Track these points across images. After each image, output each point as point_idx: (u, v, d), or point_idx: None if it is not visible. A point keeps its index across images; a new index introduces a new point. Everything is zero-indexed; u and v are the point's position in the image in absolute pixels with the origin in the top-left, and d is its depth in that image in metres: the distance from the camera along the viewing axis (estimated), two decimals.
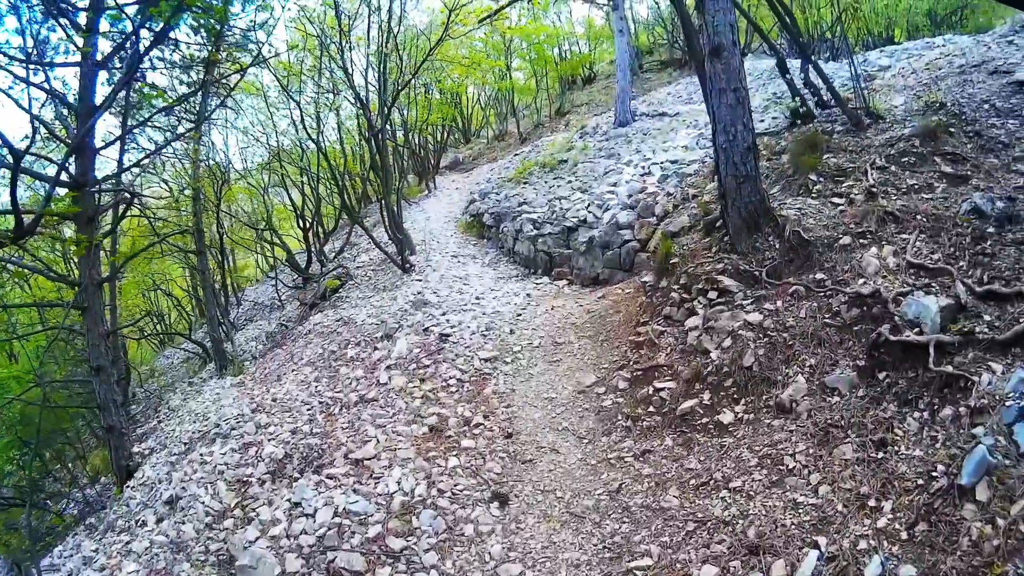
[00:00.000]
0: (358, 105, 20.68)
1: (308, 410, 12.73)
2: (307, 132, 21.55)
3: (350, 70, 20.19)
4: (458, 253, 20.97)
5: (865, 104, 14.09)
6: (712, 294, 11.30)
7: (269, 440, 11.74)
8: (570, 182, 20.69)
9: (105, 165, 18.53)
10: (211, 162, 23.13)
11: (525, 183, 22.52)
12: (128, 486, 12.74)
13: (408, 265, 19.74)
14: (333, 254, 25.96)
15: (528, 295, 16.61)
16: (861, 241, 10.74)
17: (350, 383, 13.53)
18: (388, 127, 28.64)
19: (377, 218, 25.94)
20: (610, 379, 11.88)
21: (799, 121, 15.09)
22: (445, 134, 35.27)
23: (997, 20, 26.19)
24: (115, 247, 21.08)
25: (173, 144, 19.94)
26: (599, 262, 16.84)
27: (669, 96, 28.03)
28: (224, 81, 18.52)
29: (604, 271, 16.67)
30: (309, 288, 22.91)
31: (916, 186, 11.65)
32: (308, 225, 25.83)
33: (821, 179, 12.48)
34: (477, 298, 16.35)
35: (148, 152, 18.07)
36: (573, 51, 38.31)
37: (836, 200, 11.86)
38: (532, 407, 11.82)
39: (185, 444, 13.01)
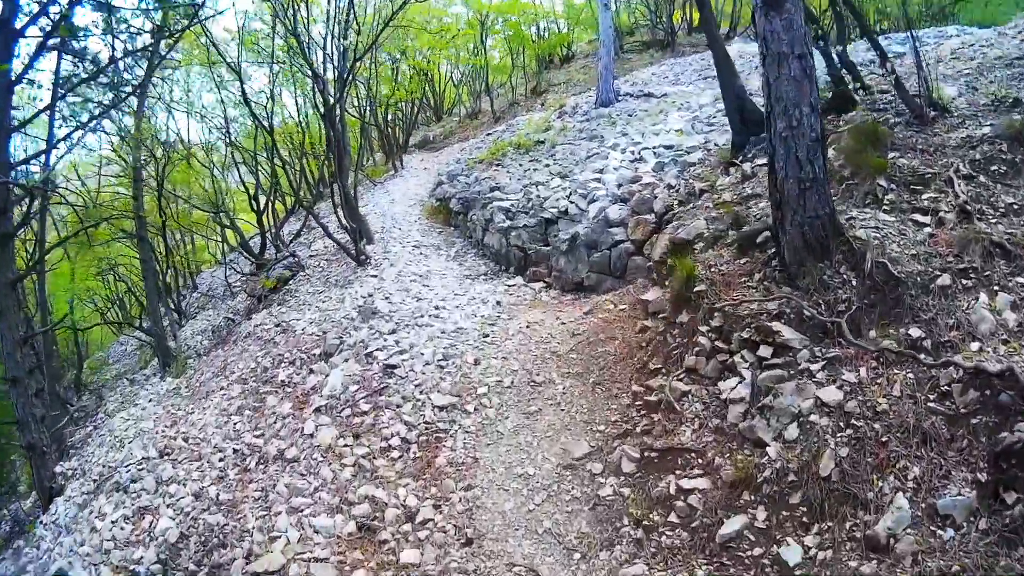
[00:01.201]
0: (312, 77, 16.43)
1: (220, 461, 9.32)
2: (249, 107, 17.14)
3: (303, 37, 15.94)
4: (421, 243, 16.91)
5: (928, 93, 10.06)
6: (764, 349, 7.22)
7: (168, 506, 8.71)
8: (548, 166, 16.76)
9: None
10: (151, 140, 18.67)
11: (498, 165, 18.48)
12: (42, 522, 10.34)
13: (363, 257, 15.70)
14: (291, 237, 21.78)
15: (498, 303, 12.62)
16: (964, 282, 6.92)
17: (274, 422, 9.81)
18: (353, 101, 24.61)
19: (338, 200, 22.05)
20: (609, 451, 7.87)
21: (850, 108, 10.99)
22: (415, 111, 30.79)
23: (1001, 16, 22.50)
24: (43, 239, 17.03)
25: (113, 118, 16.30)
26: (584, 265, 12.88)
27: (654, 76, 23.90)
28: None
29: (590, 276, 12.73)
30: (262, 276, 18.83)
31: (1016, 206, 7.80)
32: (262, 208, 21.44)
33: (893, 186, 8.48)
34: (436, 307, 12.29)
35: (78, 126, 14.20)
36: (551, 30, 33.92)
37: (919, 218, 7.89)
38: (502, 490, 7.76)
39: (94, 481, 10.29)
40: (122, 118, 17.72)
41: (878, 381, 6.41)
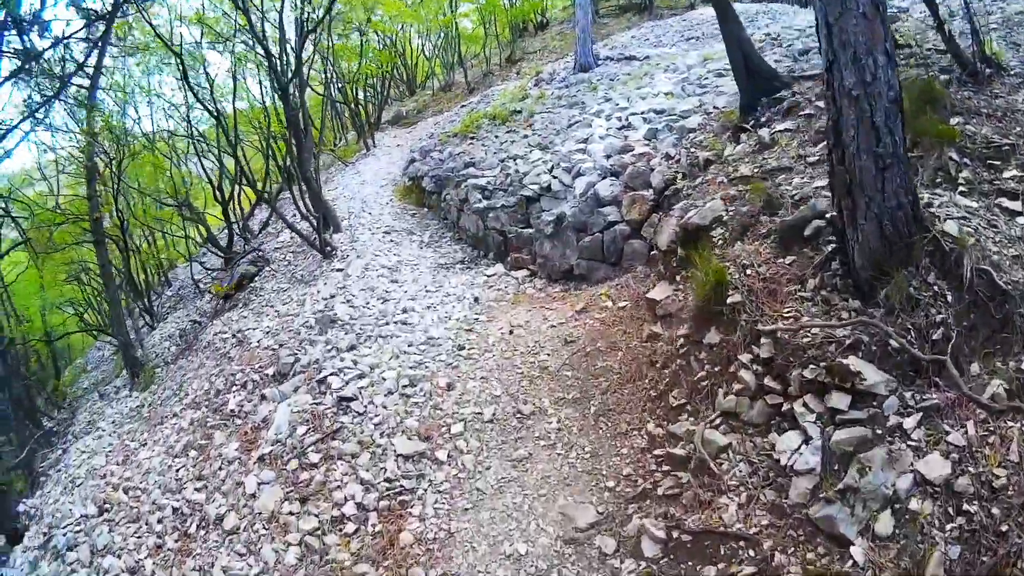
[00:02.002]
0: (262, 52, 13.97)
1: (159, 523, 7.43)
2: (192, 91, 14.56)
3: (254, 12, 13.56)
4: (392, 228, 14.67)
5: (981, 47, 7.87)
6: (837, 397, 4.94)
7: None
8: (526, 137, 14.56)
9: None
10: (104, 133, 16.05)
11: (472, 138, 16.21)
12: None
13: (329, 248, 13.47)
14: (260, 226, 19.41)
15: (476, 299, 10.49)
16: None
17: (218, 469, 7.83)
18: (320, 78, 22.22)
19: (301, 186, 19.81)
20: (624, 520, 5.66)
21: None
22: (387, 86, 27.99)
23: None
24: None
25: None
26: (572, 250, 10.73)
27: (633, 39, 21.55)
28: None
29: (580, 263, 10.59)
30: (227, 272, 16.51)
31: None
32: (227, 198, 18.82)
33: (967, 160, 6.30)
34: (404, 310, 10.11)
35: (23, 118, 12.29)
36: None
37: (1007, 203, 5.80)
38: None
39: (43, 535, 8.41)
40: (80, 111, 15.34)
41: (989, 440, 4.31)
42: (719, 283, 6.33)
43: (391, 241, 13.93)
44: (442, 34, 28.95)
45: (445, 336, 9.21)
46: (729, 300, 6.21)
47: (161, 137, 19.68)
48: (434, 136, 18.66)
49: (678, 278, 7.82)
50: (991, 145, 6.37)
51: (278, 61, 13.88)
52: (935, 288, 5.02)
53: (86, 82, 13.50)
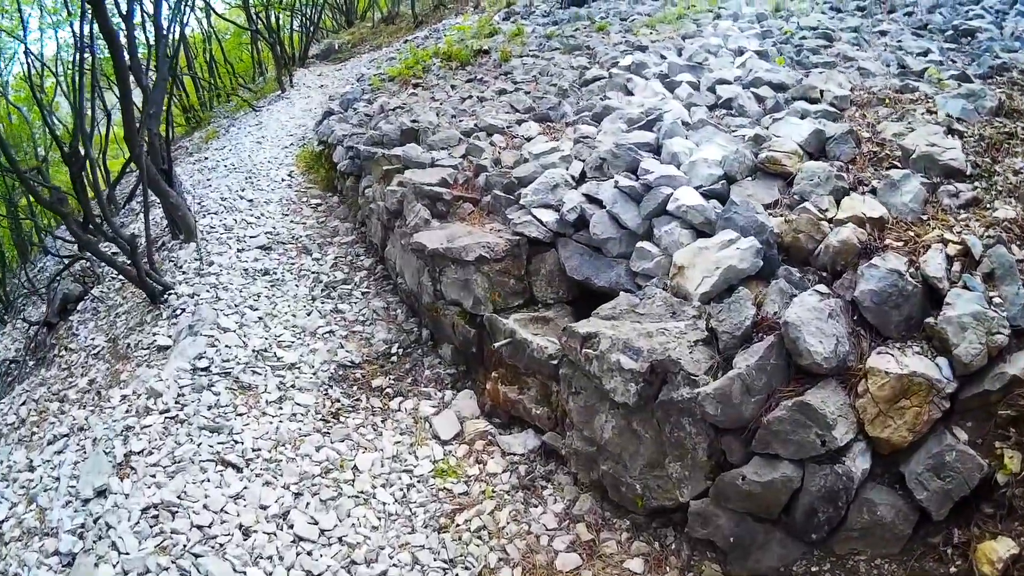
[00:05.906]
0: None
1: None
2: None
3: None
4: (276, 236, 6.78)
5: None
6: None
7: None
8: (505, 93, 6.65)
9: None
10: None
11: (416, 86, 8.08)
12: None
13: (159, 289, 5.43)
14: (127, 198, 10.75)
15: None
16: None
17: None
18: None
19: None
20: None
21: None
22: (319, 15, 18.59)
23: None
24: None
25: None
26: (692, 469, 2.96)
27: None
28: None
29: (714, 514, 2.84)
30: (85, 266, 7.85)
31: None
32: (80, 164, 9.41)
33: None
34: None
35: None
36: None
37: None
38: None
39: None
40: None
41: None
42: None
43: (264, 274, 6.01)
44: None
45: None
46: None
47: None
48: (365, 78, 10.24)
49: None
50: None
51: None
52: None
53: None
